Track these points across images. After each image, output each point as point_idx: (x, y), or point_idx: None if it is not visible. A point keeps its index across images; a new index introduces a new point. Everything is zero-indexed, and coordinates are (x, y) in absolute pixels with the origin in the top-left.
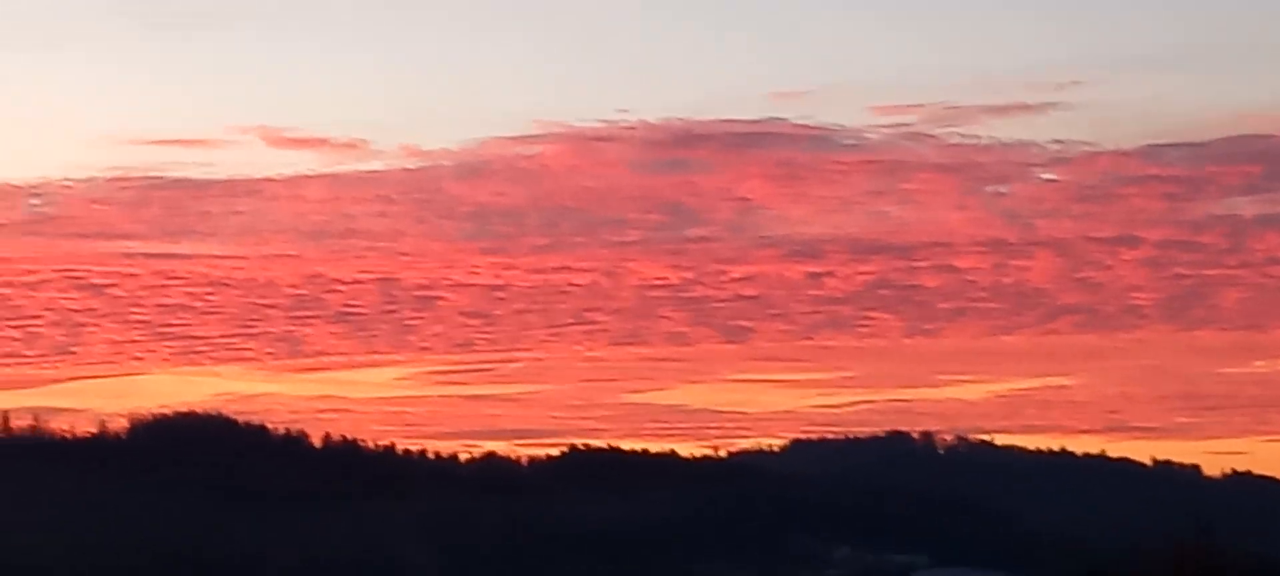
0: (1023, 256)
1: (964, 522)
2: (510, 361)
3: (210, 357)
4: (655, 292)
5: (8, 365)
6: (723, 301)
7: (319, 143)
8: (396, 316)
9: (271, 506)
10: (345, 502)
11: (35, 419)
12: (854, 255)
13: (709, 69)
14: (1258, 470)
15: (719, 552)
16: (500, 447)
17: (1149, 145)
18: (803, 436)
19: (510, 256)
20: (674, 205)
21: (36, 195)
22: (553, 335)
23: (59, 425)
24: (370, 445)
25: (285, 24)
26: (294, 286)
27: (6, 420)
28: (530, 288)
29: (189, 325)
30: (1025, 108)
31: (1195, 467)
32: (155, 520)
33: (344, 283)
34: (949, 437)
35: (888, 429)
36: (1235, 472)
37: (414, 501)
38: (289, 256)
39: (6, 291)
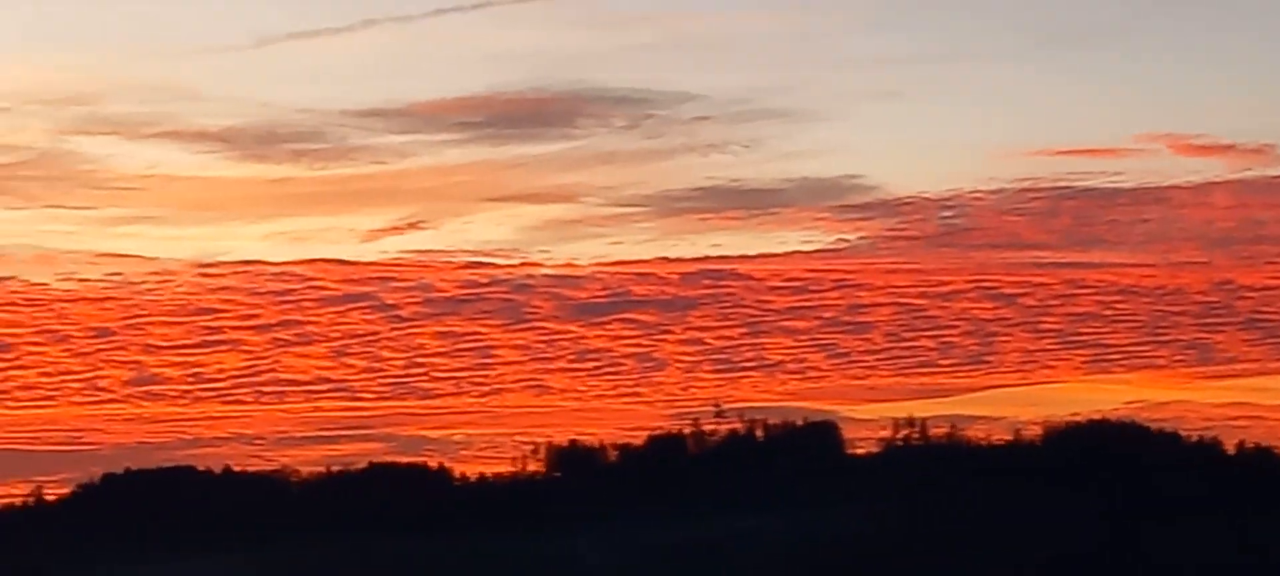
0: None
1: None
2: None
3: (1120, 365)
4: None
5: (924, 374)
6: None
7: (1226, 149)
8: None
9: (1187, 514)
10: (1263, 510)
11: (951, 426)
12: None
13: None
14: None
15: None
16: None
17: None
18: None
19: None
20: None
21: (948, 207)
22: None
23: (975, 432)
24: None
25: (1190, 31)
26: (1202, 293)
27: (924, 428)
28: None
29: (1098, 333)
30: None
31: None
32: (1069, 526)
33: (1253, 289)
34: None
35: None
36: None
37: None
38: (1197, 264)
39: (921, 302)
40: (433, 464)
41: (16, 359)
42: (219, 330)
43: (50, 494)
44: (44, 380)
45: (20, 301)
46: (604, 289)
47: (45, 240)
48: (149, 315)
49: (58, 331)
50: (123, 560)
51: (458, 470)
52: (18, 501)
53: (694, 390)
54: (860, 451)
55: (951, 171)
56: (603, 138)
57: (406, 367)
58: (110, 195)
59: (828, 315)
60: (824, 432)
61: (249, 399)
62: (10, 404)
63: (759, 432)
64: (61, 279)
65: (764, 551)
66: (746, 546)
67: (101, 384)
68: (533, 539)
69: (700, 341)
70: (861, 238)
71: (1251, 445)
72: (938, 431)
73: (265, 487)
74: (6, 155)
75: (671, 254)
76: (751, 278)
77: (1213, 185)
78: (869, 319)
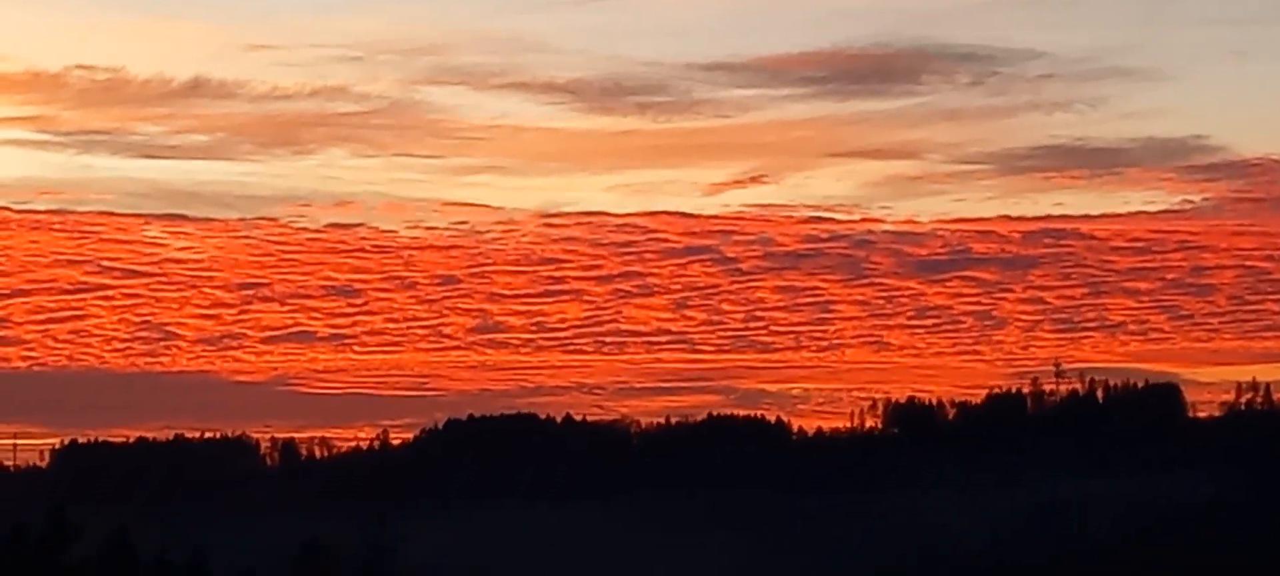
0: None
1: None
2: None
3: None
4: None
5: (1269, 337)
6: None
7: None
8: None
9: None
10: None
11: None
12: None
13: None
14: None
15: None
16: None
17: None
18: None
19: None
20: None
21: None
22: None
23: None
24: None
25: None
26: None
27: (1268, 392)
28: None
29: None
30: None
31: None
32: None
33: None
34: None
35: None
36: None
37: None
38: None
39: (1267, 265)
40: (771, 417)
41: (365, 304)
42: (562, 280)
43: (395, 438)
44: (391, 326)
45: (369, 248)
46: (945, 246)
47: (394, 188)
48: (494, 264)
49: (405, 278)
50: (464, 504)
51: (796, 424)
52: (364, 444)
53: (1034, 349)
54: (1202, 415)
55: None
56: (946, 94)
57: (746, 321)
58: (458, 145)
59: (1171, 276)
60: (1166, 395)
61: (590, 348)
62: (358, 348)
63: (1099, 393)
64: (409, 226)
65: (1103, 513)
66: (1086, 508)
67: (447, 331)
68: (870, 494)
69: (1041, 300)
70: (1206, 199)
71: None
72: None
73: (605, 436)
74: (358, 104)
75: (1013, 212)
76: (1094, 237)
77: None
78: (1213, 281)
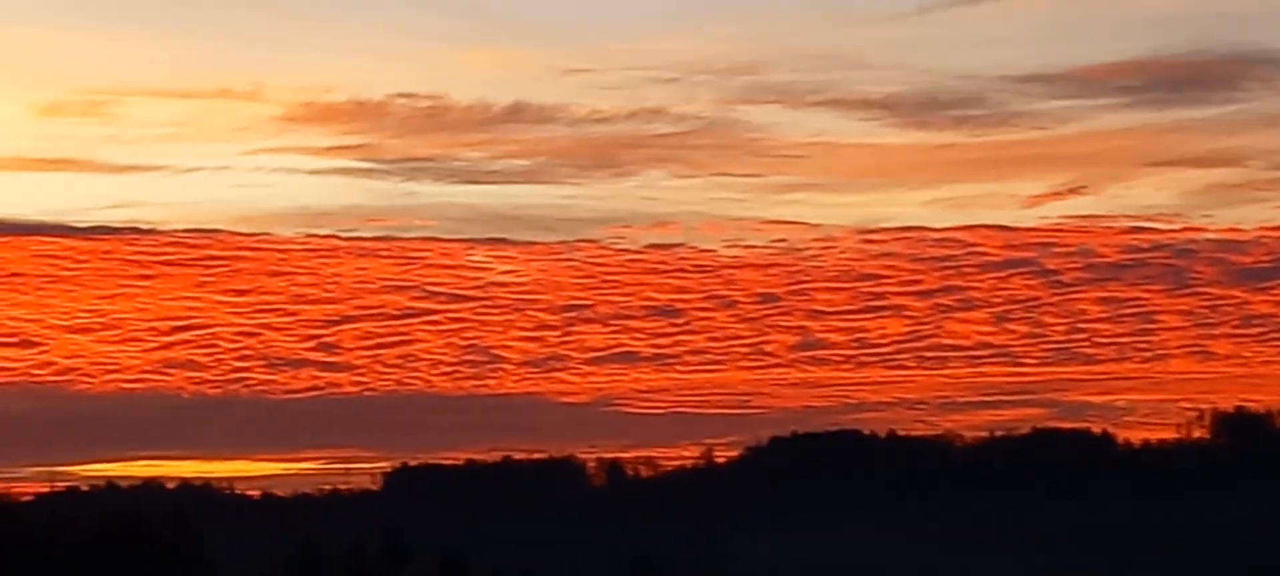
0: None
1: None
2: None
3: None
4: None
5: None
6: None
7: None
8: None
9: None
10: None
11: None
12: None
13: None
14: None
15: None
16: None
17: None
18: None
19: None
20: None
21: None
22: None
23: None
24: None
25: None
26: None
27: None
28: None
29: None
30: None
31: None
32: None
33: None
34: None
35: None
36: None
37: None
38: None
39: None
40: (1096, 429)
41: (686, 324)
42: (882, 295)
43: (720, 455)
44: (712, 344)
45: (689, 267)
46: (1269, 254)
47: (713, 207)
48: (813, 280)
49: (725, 296)
50: (790, 521)
51: (1121, 436)
52: (689, 463)
53: None
54: None
55: None
56: (1268, 100)
57: (1068, 333)
58: (775, 163)
59: None
60: None
61: (912, 364)
62: (681, 367)
63: None
64: (728, 245)
65: None
66: None
67: (768, 348)
68: (1201, 506)
69: None
70: None
71: None
72: None
73: (930, 452)
74: (676, 124)
75: None
76: None
77: None
78: None
